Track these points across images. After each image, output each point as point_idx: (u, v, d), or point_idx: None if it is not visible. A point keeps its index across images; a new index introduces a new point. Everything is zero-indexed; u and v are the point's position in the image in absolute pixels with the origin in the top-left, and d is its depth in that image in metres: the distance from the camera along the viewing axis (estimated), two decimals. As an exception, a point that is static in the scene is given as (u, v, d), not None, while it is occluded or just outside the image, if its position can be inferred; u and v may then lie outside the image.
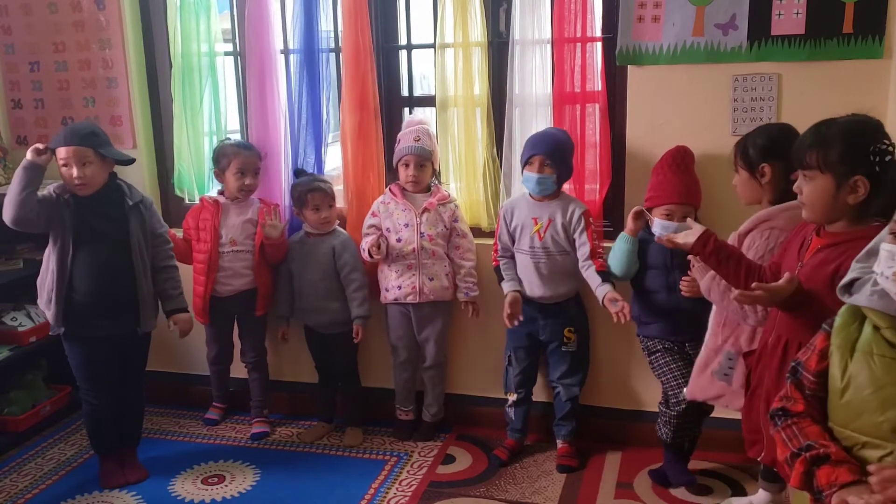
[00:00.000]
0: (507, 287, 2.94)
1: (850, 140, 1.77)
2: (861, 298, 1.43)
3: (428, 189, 3.12)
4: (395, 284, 3.10)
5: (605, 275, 2.81)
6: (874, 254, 1.45)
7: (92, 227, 2.79)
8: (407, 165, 3.05)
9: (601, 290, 2.79)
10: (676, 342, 2.79)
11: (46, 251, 2.84)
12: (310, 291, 3.20)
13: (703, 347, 2.48)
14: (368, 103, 3.14)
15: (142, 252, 2.87)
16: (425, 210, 3.06)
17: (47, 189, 2.80)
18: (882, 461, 1.35)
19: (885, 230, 1.44)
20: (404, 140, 3.06)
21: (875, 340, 1.38)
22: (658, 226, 2.64)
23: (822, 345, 1.49)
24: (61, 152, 2.73)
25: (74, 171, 2.72)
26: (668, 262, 2.74)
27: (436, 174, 3.13)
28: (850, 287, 1.48)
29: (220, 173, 3.23)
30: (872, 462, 1.36)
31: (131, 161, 2.89)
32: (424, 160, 3.04)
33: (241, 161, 3.17)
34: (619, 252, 2.79)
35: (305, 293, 3.21)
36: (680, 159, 2.74)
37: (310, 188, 3.14)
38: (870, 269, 1.44)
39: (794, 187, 1.92)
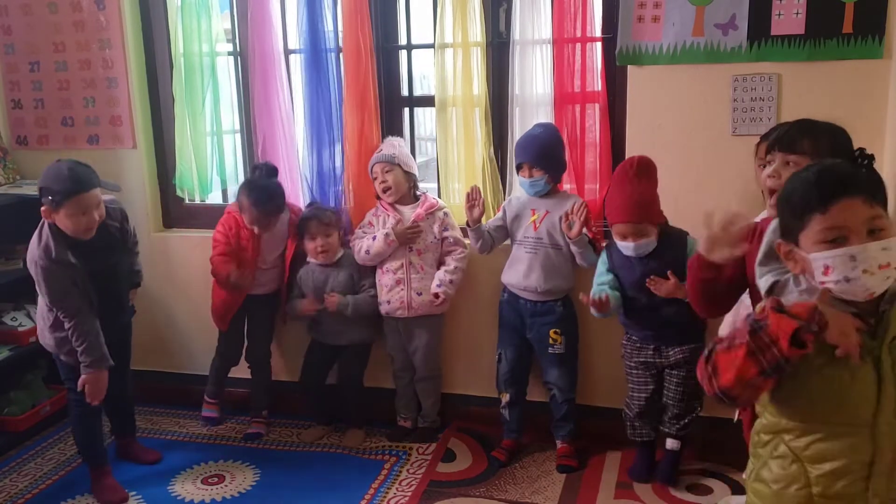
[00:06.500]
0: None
1: (838, 136, 1.81)
2: (791, 301, 1.42)
3: (416, 199, 3.13)
4: (384, 299, 3.12)
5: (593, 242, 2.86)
6: (772, 256, 1.49)
7: (97, 272, 2.68)
8: (376, 178, 3.08)
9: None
10: (657, 348, 2.80)
11: (52, 317, 2.66)
12: (327, 318, 3.18)
13: None
14: (369, 104, 3.14)
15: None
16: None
17: (50, 264, 2.55)
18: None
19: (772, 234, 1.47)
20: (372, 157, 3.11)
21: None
22: (622, 248, 2.69)
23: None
24: (88, 199, 2.50)
25: (95, 215, 2.55)
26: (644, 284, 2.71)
27: (414, 182, 3.13)
28: (771, 293, 1.49)
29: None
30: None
31: (118, 189, 2.85)
32: (390, 166, 3.05)
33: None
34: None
35: (325, 319, 3.20)
36: (633, 171, 2.63)
37: (304, 216, 3.16)
38: (784, 270, 1.46)
39: (771, 172, 1.90)
